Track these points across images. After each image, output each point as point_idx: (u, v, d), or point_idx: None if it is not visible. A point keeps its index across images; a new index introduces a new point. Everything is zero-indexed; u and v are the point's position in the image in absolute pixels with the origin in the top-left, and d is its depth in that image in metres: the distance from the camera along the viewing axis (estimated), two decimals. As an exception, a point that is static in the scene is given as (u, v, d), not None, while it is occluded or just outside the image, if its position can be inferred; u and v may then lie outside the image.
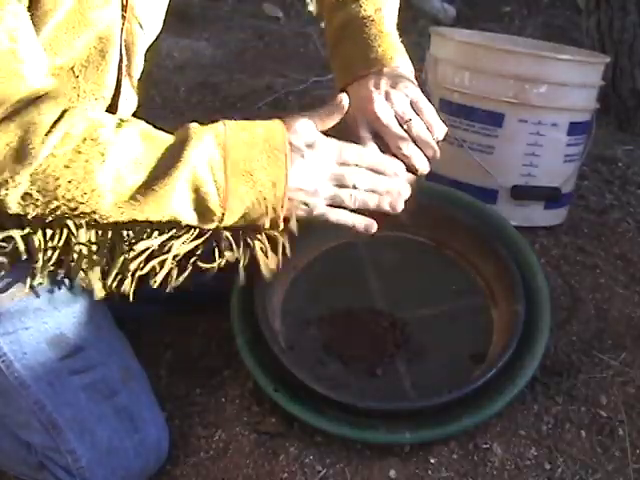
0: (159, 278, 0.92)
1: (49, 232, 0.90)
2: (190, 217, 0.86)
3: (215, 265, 0.92)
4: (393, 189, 0.93)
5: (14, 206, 0.80)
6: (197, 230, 0.89)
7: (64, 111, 0.80)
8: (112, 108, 0.98)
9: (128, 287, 0.93)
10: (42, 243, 0.90)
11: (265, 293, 1.08)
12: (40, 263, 0.91)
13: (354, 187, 0.90)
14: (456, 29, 1.75)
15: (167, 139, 0.85)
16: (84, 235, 0.89)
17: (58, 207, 0.81)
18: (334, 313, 1.12)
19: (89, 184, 0.80)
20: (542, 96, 1.35)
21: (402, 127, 0.96)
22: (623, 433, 1.04)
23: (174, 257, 0.92)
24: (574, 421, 1.05)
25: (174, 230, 0.89)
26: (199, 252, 0.92)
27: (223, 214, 0.86)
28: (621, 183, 1.68)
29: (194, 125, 0.86)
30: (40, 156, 0.77)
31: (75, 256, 0.91)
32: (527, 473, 0.99)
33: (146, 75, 1.04)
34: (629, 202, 1.60)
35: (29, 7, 0.81)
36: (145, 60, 1.03)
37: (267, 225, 0.89)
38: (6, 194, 0.78)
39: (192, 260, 0.93)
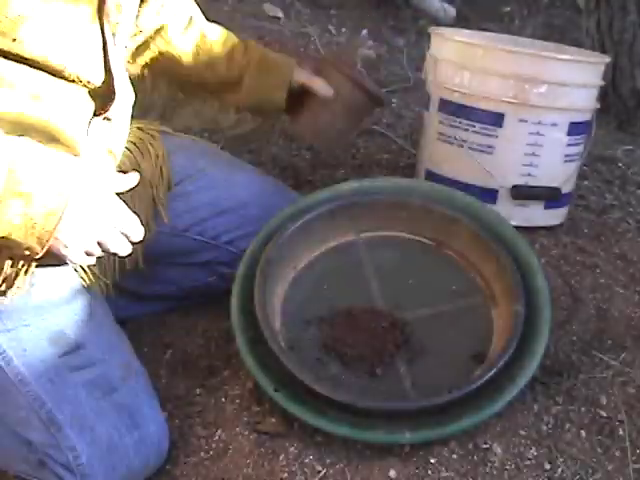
0: None
1: None
2: None
3: None
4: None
5: None
6: None
7: None
8: (110, 93, 0.99)
9: None
10: None
11: (265, 293, 1.08)
12: None
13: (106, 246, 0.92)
14: (456, 29, 1.75)
15: None
16: None
17: None
18: (334, 313, 1.12)
19: None
20: (542, 96, 1.35)
21: None
22: (623, 433, 1.04)
23: None
24: (574, 421, 1.05)
25: None
26: None
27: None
28: (621, 183, 1.68)
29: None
30: None
31: None
32: (527, 473, 0.99)
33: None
34: (629, 202, 1.60)
35: None
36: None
37: (23, 252, 0.87)
38: None
39: None
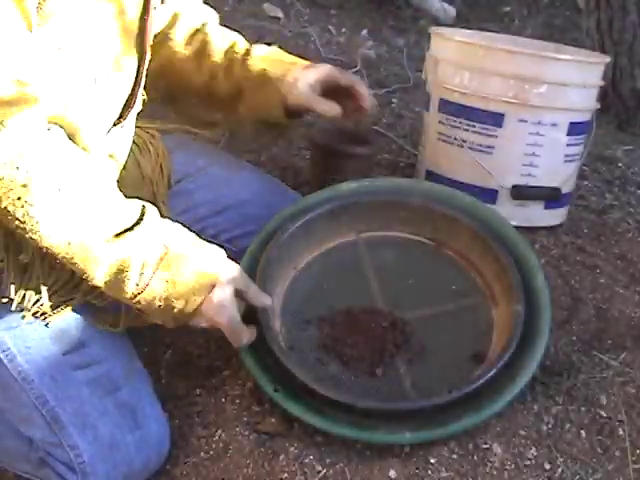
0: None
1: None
2: (100, 282, 0.90)
3: None
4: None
5: None
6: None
7: (47, 127, 0.83)
8: (131, 98, 1.00)
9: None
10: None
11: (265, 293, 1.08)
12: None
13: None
14: (456, 29, 1.75)
15: (127, 210, 0.90)
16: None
17: None
18: (334, 313, 1.12)
19: (33, 211, 0.83)
20: (542, 96, 1.35)
21: None
22: (623, 433, 1.04)
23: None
24: (574, 421, 1.05)
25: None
26: None
27: (131, 299, 0.91)
28: (621, 183, 1.68)
29: (153, 211, 0.92)
30: None
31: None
32: (527, 473, 0.99)
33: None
34: (629, 202, 1.60)
35: None
36: None
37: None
38: None
39: None
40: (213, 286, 0.93)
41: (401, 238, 1.21)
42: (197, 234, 0.97)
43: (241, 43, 1.26)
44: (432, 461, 0.99)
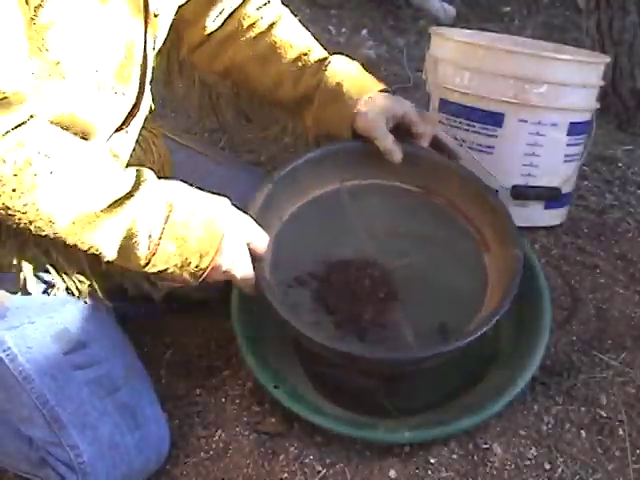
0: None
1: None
2: (111, 255, 0.90)
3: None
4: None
5: None
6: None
7: (30, 117, 0.82)
8: (135, 107, 1.00)
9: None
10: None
11: None
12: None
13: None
14: (456, 29, 1.75)
15: (122, 178, 0.89)
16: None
17: None
18: (324, 267, 1.09)
19: (31, 197, 0.82)
20: (542, 96, 1.35)
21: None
22: (623, 433, 1.04)
23: None
24: (574, 421, 1.05)
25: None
26: None
27: (146, 264, 0.92)
28: (621, 183, 1.68)
29: (150, 174, 0.92)
30: None
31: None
32: (527, 473, 0.99)
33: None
34: (629, 202, 1.60)
35: None
36: None
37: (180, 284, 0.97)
38: None
39: None
40: (223, 235, 0.94)
41: (389, 186, 1.18)
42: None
43: (317, 51, 1.20)
44: (432, 461, 0.99)
